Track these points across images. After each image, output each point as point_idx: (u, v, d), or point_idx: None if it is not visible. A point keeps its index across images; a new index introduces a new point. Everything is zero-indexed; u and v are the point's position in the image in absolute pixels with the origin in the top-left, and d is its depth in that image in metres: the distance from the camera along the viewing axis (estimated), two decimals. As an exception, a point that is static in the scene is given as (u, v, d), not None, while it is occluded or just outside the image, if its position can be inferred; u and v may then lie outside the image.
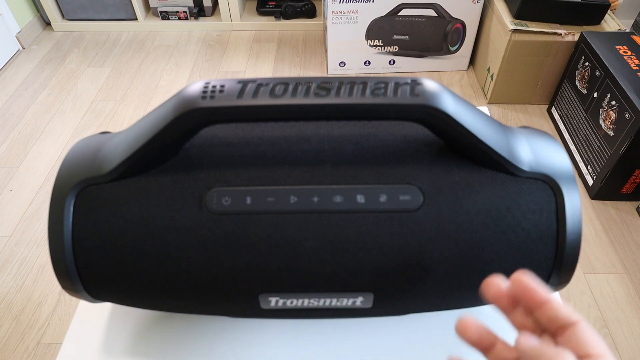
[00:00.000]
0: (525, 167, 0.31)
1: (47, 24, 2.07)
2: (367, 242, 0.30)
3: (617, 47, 1.32)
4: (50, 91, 1.72)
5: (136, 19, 2.02)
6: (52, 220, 0.31)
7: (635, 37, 1.36)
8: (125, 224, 0.31)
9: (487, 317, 0.42)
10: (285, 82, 0.28)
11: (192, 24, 2.04)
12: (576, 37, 1.44)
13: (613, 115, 1.22)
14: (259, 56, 1.90)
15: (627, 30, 1.42)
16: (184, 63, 1.86)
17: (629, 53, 1.29)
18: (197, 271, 0.31)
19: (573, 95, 1.44)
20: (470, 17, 1.66)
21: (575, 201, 0.31)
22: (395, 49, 1.74)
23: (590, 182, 1.33)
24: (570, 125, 1.46)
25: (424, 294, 0.33)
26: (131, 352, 0.40)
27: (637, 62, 1.26)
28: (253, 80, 0.28)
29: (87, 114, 1.62)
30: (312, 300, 0.33)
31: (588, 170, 1.34)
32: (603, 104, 1.27)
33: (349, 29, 1.68)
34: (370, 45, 1.73)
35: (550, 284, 0.33)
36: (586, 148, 1.36)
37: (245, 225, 0.30)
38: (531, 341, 0.23)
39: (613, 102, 1.22)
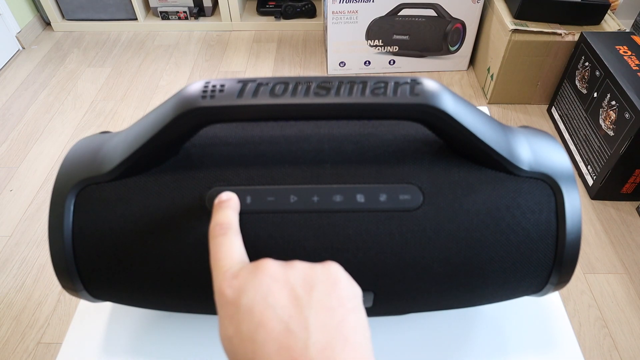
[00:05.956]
0: (525, 167, 0.31)
1: (47, 24, 2.07)
2: (367, 241, 0.30)
3: (617, 47, 1.32)
4: (50, 91, 1.72)
5: (136, 19, 2.02)
6: (52, 219, 0.31)
7: (635, 37, 1.36)
8: (126, 224, 0.31)
9: (486, 317, 0.42)
10: (285, 82, 0.28)
11: (192, 24, 2.04)
12: (576, 37, 1.44)
13: (613, 115, 1.22)
14: (259, 56, 1.90)
15: (627, 30, 1.42)
16: (184, 63, 1.86)
17: (629, 53, 1.29)
18: (198, 271, 0.31)
19: (573, 95, 1.44)
20: (470, 17, 1.66)
21: (575, 201, 0.31)
22: (395, 49, 1.74)
23: (590, 182, 1.33)
24: (570, 125, 1.46)
25: (424, 293, 0.33)
26: (131, 352, 0.40)
27: (637, 62, 1.26)
28: (253, 80, 0.28)
29: (87, 114, 1.62)
30: (312, 300, 0.33)
31: (588, 170, 1.34)
32: (603, 104, 1.27)
33: (349, 29, 1.68)
34: (370, 45, 1.73)
35: (550, 284, 0.34)
36: (586, 148, 1.36)
37: (245, 224, 0.30)
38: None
39: (613, 102, 1.22)
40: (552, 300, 0.44)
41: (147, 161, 0.31)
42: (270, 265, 0.24)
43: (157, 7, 2.00)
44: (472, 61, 1.82)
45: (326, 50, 1.78)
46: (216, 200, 0.29)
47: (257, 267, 0.24)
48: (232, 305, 0.23)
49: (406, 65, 1.79)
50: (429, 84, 0.29)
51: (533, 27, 1.45)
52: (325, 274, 0.24)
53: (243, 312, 0.22)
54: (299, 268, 0.24)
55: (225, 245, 0.26)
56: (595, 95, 1.31)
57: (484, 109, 0.61)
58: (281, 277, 0.24)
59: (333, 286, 0.23)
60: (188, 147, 0.33)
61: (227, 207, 0.28)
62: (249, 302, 0.22)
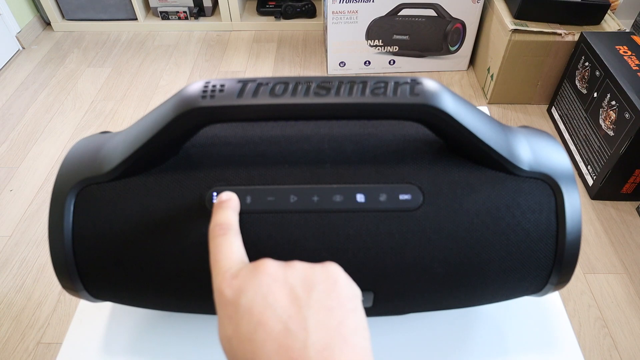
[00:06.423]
0: (525, 167, 0.31)
1: (47, 24, 2.07)
2: (367, 241, 0.30)
3: (617, 47, 1.32)
4: (50, 91, 1.72)
5: (136, 19, 2.02)
6: (52, 219, 0.31)
7: (635, 37, 1.36)
8: (126, 224, 0.31)
9: (486, 317, 0.42)
10: (285, 82, 0.28)
11: (192, 24, 2.04)
12: (576, 37, 1.44)
13: (613, 115, 1.22)
14: (259, 56, 1.90)
15: (627, 30, 1.42)
16: (184, 63, 1.86)
17: (629, 53, 1.29)
18: (198, 271, 0.31)
19: (573, 95, 1.44)
20: (470, 17, 1.66)
21: (574, 201, 0.31)
22: (395, 49, 1.74)
23: (590, 182, 1.33)
24: (570, 125, 1.46)
25: (424, 293, 0.33)
26: (131, 352, 0.40)
27: (637, 62, 1.26)
28: (253, 80, 0.29)
29: (87, 114, 1.62)
30: (312, 300, 0.33)
31: (588, 170, 1.34)
32: (603, 104, 1.27)
33: (349, 29, 1.68)
34: (370, 45, 1.73)
35: (550, 284, 0.34)
36: (586, 148, 1.36)
37: (245, 224, 0.30)
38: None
39: (613, 102, 1.22)
40: (552, 300, 0.44)
41: (147, 161, 0.31)
42: (269, 265, 0.24)
43: (157, 7, 2.00)
44: (472, 61, 1.82)
45: (326, 50, 1.78)
46: (216, 201, 0.29)
47: (257, 267, 0.24)
48: (232, 305, 0.23)
49: (406, 65, 1.79)
50: (429, 84, 0.29)
51: (533, 27, 1.45)
52: (325, 274, 0.24)
53: (242, 312, 0.22)
54: (299, 268, 0.24)
55: (225, 246, 0.26)
56: (595, 95, 1.31)
57: (484, 109, 0.61)
58: (281, 277, 0.24)
59: (332, 286, 0.23)
60: (188, 147, 0.33)
61: (227, 207, 0.28)
62: (249, 302, 0.22)
